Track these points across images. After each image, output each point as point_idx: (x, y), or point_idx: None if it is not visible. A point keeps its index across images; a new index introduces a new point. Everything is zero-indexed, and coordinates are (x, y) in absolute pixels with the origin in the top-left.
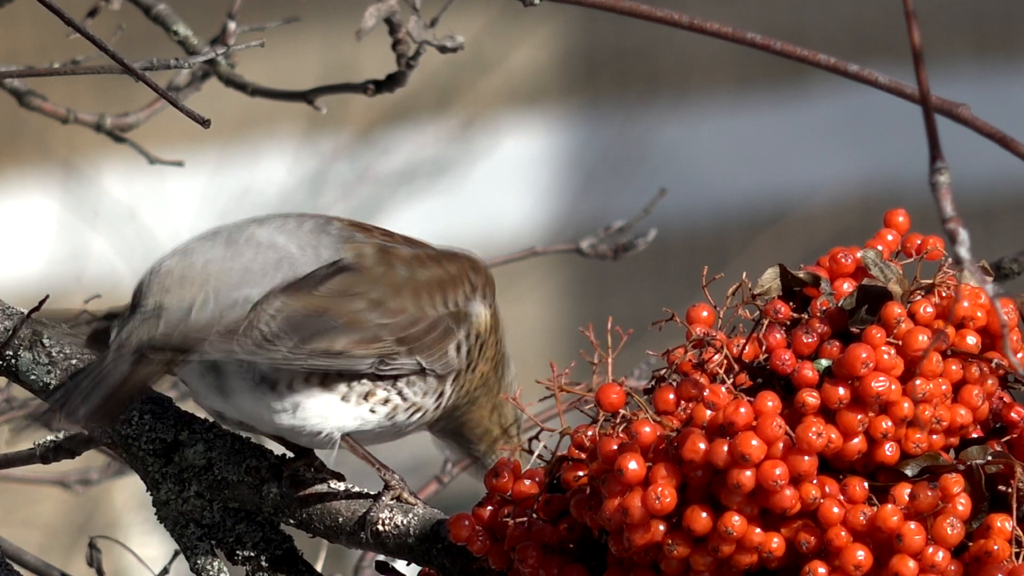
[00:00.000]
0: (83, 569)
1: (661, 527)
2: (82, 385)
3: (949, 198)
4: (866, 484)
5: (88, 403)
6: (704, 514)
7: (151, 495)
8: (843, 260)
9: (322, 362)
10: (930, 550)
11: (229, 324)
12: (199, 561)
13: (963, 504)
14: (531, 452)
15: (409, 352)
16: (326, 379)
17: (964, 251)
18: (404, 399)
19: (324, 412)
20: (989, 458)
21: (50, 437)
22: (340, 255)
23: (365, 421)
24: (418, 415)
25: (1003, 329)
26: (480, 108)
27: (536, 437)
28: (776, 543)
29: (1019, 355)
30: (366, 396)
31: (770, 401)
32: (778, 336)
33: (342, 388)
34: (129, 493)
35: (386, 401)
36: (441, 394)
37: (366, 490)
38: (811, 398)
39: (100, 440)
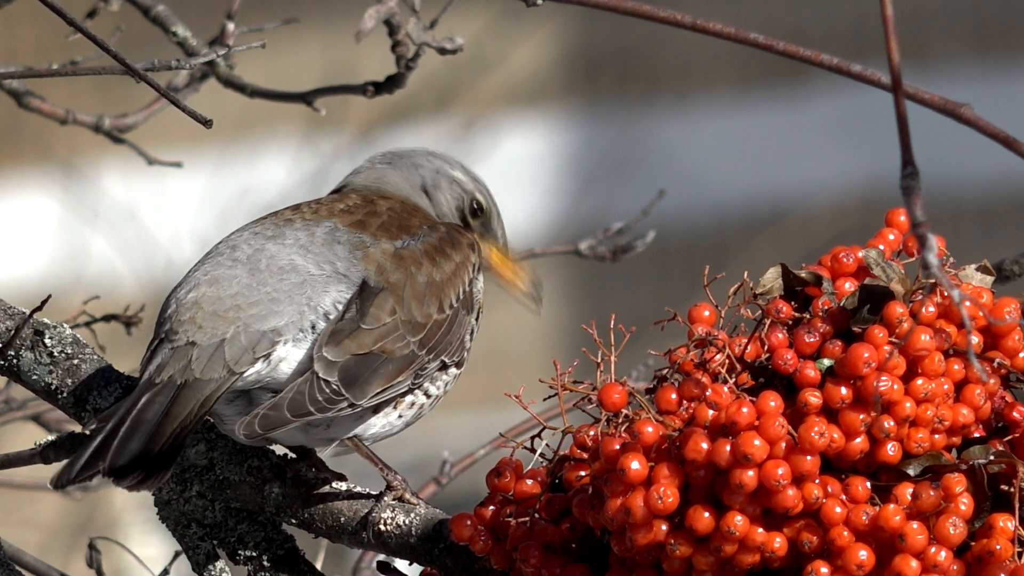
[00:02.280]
0: (83, 569)
1: (663, 527)
2: (117, 428)
3: (919, 203)
4: (868, 484)
5: (129, 452)
6: (706, 514)
7: (153, 495)
8: (845, 259)
9: (374, 403)
10: (932, 550)
11: (297, 387)
12: (201, 561)
13: (965, 504)
14: (533, 451)
15: (436, 356)
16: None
17: (932, 256)
18: (428, 396)
19: (353, 425)
20: (991, 457)
21: (50, 437)
22: (355, 266)
23: (393, 426)
24: (437, 401)
25: (968, 337)
26: (480, 108)
27: (539, 436)
28: (778, 543)
29: (1021, 354)
30: (396, 405)
31: (772, 401)
32: (780, 336)
33: (380, 405)
34: (129, 493)
35: (412, 404)
36: (458, 375)
37: (368, 490)
38: (813, 398)
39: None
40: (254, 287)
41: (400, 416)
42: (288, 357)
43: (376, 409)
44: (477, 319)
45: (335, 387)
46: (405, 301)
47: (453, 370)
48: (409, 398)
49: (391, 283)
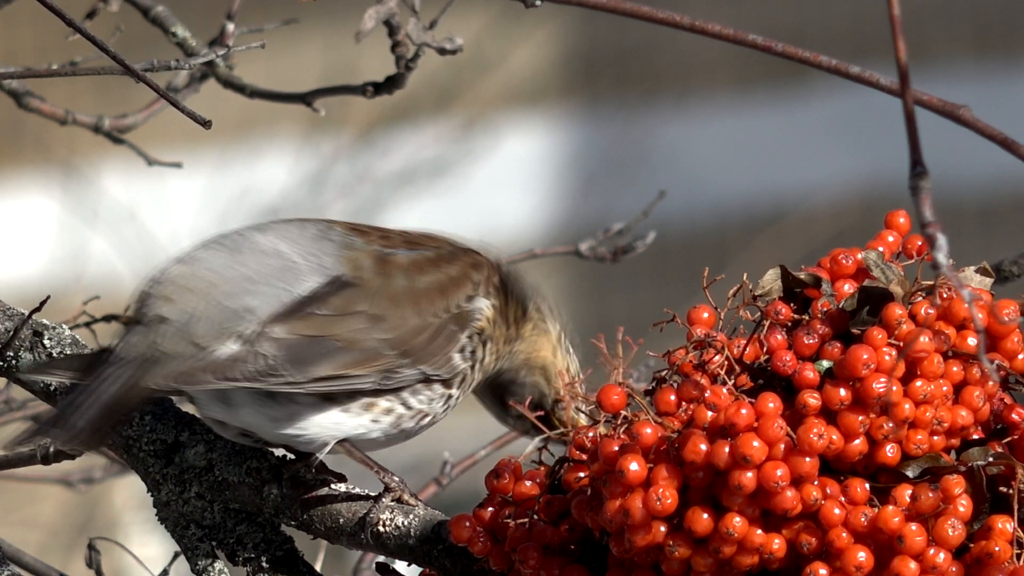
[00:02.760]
0: (82, 569)
1: (662, 528)
2: (80, 399)
3: (928, 202)
4: (867, 485)
5: (85, 417)
6: (705, 515)
7: (152, 496)
8: (844, 261)
9: (323, 387)
10: (931, 551)
11: (233, 355)
12: (200, 562)
13: (964, 505)
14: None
15: (413, 363)
16: (328, 393)
17: (942, 256)
18: (409, 408)
19: (324, 423)
20: (990, 459)
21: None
22: (340, 264)
23: (369, 430)
24: (428, 419)
25: (979, 336)
26: (480, 109)
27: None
28: (777, 544)
29: (1020, 356)
30: (367, 407)
31: (771, 402)
32: (779, 337)
33: (343, 400)
34: (129, 493)
35: (389, 411)
36: (449, 397)
37: (367, 491)
38: (812, 399)
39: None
40: (231, 266)
41: (375, 421)
42: None
43: (345, 407)
44: (471, 339)
45: (272, 362)
46: (376, 299)
47: (439, 388)
48: (384, 403)
49: (364, 280)
